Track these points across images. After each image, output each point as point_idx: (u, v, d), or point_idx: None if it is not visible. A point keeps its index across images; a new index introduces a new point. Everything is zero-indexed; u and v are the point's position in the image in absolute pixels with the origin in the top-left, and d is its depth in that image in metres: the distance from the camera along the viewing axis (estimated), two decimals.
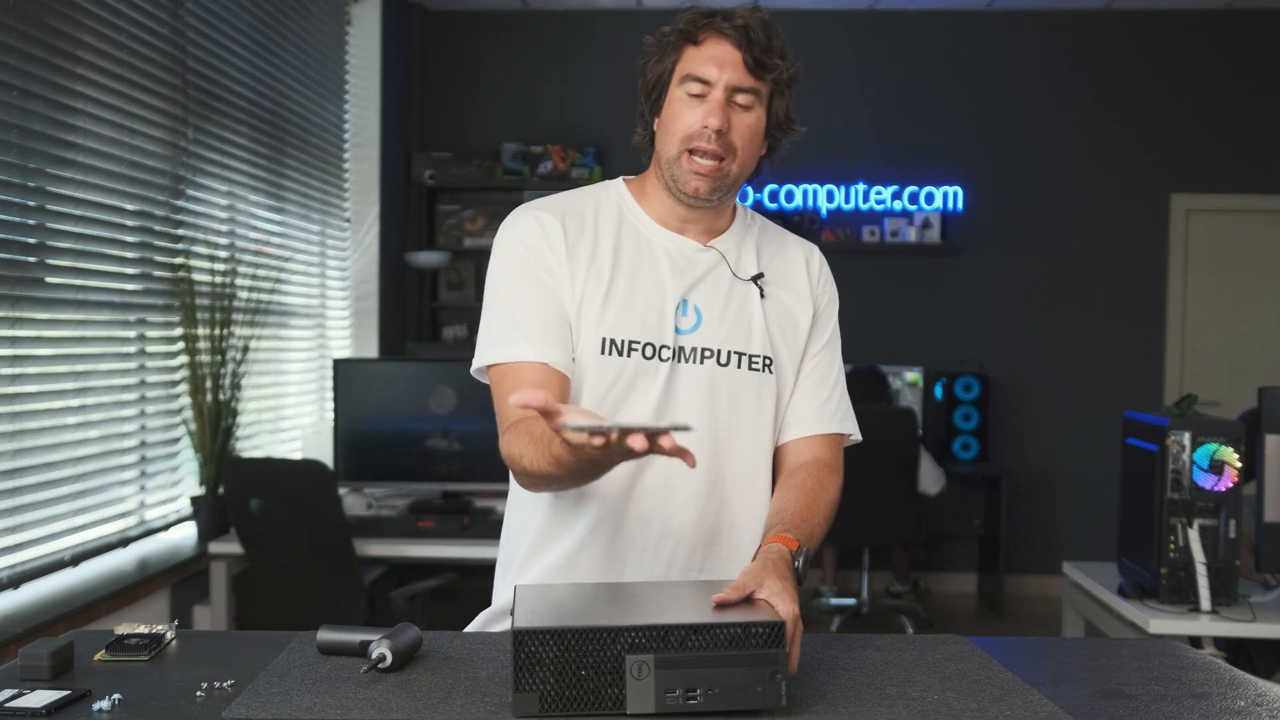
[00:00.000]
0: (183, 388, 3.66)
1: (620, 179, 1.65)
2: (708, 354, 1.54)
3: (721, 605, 1.22)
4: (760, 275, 1.60)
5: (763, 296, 1.59)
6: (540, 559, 1.57)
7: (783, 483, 1.58)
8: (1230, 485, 2.69)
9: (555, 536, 1.56)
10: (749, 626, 1.15)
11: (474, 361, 1.54)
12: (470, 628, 1.61)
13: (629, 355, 1.51)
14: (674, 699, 1.13)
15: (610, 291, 1.53)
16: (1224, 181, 6.17)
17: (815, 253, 1.69)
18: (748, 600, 1.25)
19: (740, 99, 1.50)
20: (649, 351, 1.52)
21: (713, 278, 1.57)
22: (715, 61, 1.48)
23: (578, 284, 1.52)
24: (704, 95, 1.49)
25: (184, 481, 3.75)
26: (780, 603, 1.24)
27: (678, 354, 1.53)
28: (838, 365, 1.68)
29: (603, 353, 1.51)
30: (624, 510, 1.53)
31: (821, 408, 1.63)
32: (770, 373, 1.57)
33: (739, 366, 1.55)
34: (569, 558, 1.55)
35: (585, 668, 1.13)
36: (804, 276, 1.65)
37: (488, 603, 1.67)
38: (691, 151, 1.50)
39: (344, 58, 5.29)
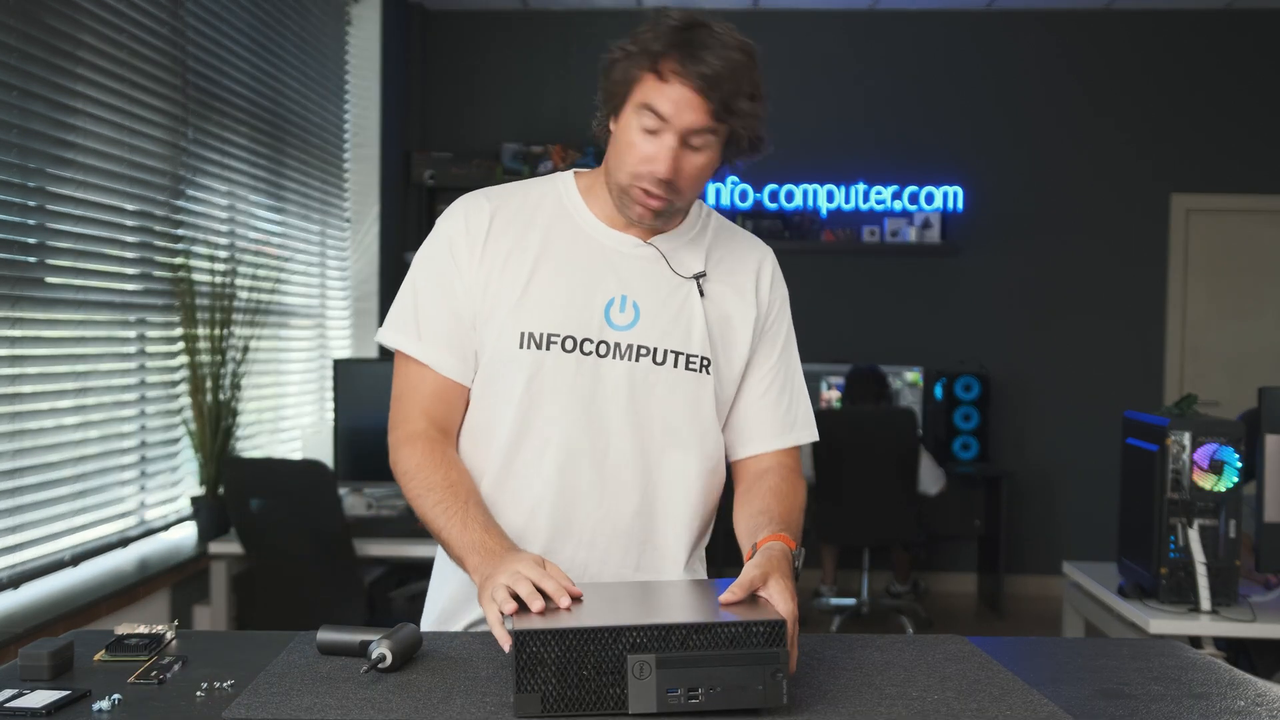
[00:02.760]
0: (183, 388, 3.66)
1: (573, 171, 1.62)
2: (643, 351, 1.52)
3: (728, 604, 1.24)
4: (703, 274, 1.56)
5: (703, 295, 1.55)
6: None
7: (752, 486, 1.58)
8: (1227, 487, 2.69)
9: (490, 503, 1.54)
10: (750, 626, 1.15)
11: (382, 330, 1.57)
12: (429, 624, 1.61)
13: (548, 348, 1.50)
14: (675, 698, 1.13)
15: (530, 285, 1.51)
16: (1224, 181, 6.17)
17: (769, 256, 1.65)
18: (750, 598, 1.27)
19: (695, 140, 1.44)
20: (569, 345, 1.50)
21: (651, 275, 1.54)
22: (674, 103, 1.41)
23: (493, 280, 1.52)
24: (658, 132, 1.43)
25: (184, 481, 3.75)
26: (781, 602, 1.25)
27: (609, 349, 1.51)
28: (795, 371, 1.66)
29: (521, 346, 1.50)
30: (557, 512, 1.52)
31: (783, 419, 1.62)
32: (708, 374, 1.54)
33: (675, 365, 1.53)
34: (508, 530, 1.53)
35: (587, 668, 1.13)
36: (751, 279, 1.61)
37: None
38: (640, 185, 1.48)
39: (344, 58, 5.29)
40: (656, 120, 1.43)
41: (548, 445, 1.52)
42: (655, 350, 1.52)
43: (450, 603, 1.59)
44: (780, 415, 1.62)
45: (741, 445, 1.63)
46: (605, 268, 1.54)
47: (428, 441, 1.51)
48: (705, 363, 1.54)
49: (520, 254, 1.53)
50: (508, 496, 1.54)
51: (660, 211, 1.50)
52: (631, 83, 1.46)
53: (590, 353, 1.51)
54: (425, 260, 1.57)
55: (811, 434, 1.66)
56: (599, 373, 1.51)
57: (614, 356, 1.51)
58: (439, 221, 1.59)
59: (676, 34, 1.42)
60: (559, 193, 1.59)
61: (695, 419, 1.55)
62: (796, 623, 1.25)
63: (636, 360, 1.52)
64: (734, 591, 1.25)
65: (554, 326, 1.50)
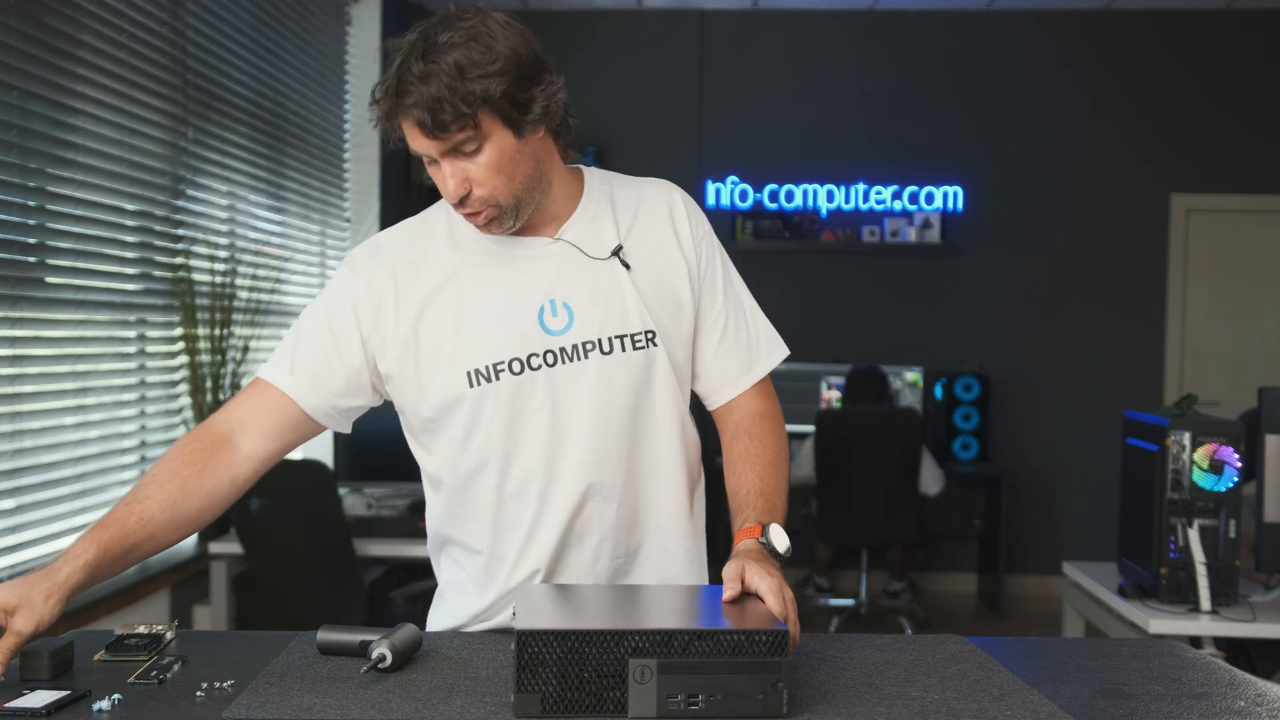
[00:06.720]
0: (183, 388, 3.66)
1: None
2: (589, 347, 1.51)
3: (728, 601, 1.30)
4: (619, 248, 1.54)
5: (628, 268, 1.54)
6: (476, 561, 1.56)
7: (730, 448, 1.60)
8: (1232, 484, 2.69)
9: (488, 541, 1.54)
10: (752, 634, 1.15)
11: (261, 370, 1.56)
12: (439, 625, 1.61)
13: (498, 378, 1.49)
14: (675, 704, 1.14)
15: (458, 325, 1.50)
16: (1224, 181, 6.17)
17: (675, 194, 1.62)
18: (754, 596, 1.32)
19: (464, 148, 1.40)
20: (517, 366, 1.49)
21: (571, 269, 1.52)
22: (413, 140, 1.41)
23: (421, 336, 1.50)
24: (433, 163, 1.44)
25: None
26: (761, 581, 1.31)
27: (557, 356, 1.50)
28: (744, 302, 1.64)
29: (473, 386, 1.49)
30: (558, 526, 1.51)
31: (744, 358, 1.62)
32: (655, 345, 1.53)
33: (623, 350, 1.52)
34: (509, 560, 1.53)
35: (588, 670, 1.14)
36: (668, 229, 1.58)
37: None
38: (460, 214, 1.47)
39: (344, 58, 5.29)
40: (424, 156, 1.44)
41: (534, 465, 1.51)
42: (599, 341, 1.51)
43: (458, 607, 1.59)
44: (741, 355, 1.62)
45: (712, 395, 1.64)
46: (524, 279, 1.52)
47: (201, 444, 1.47)
48: (650, 335, 1.53)
49: (438, 300, 1.51)
50: (506, 520, 1.53)
51: (496, 219, 1.46)
52: (400, 134, 1.44)
53: (539, 366, 1.49)
54: (320, 308, 1.55)
55: (778, 353, 1.65)
56: (553, 382, 1.50)
57: (562, 362, 1.50)
58: (340, 276, 1.56)
59: (394, 74, 1.40)
60: (454, 222, 1.56)
61: (658, 394, 1.55)
62: (784, 590, 1.31)
63: (585, 358, 1.51)
64: (729, 593, 1.32)
65: (495, 356, 1.49)
